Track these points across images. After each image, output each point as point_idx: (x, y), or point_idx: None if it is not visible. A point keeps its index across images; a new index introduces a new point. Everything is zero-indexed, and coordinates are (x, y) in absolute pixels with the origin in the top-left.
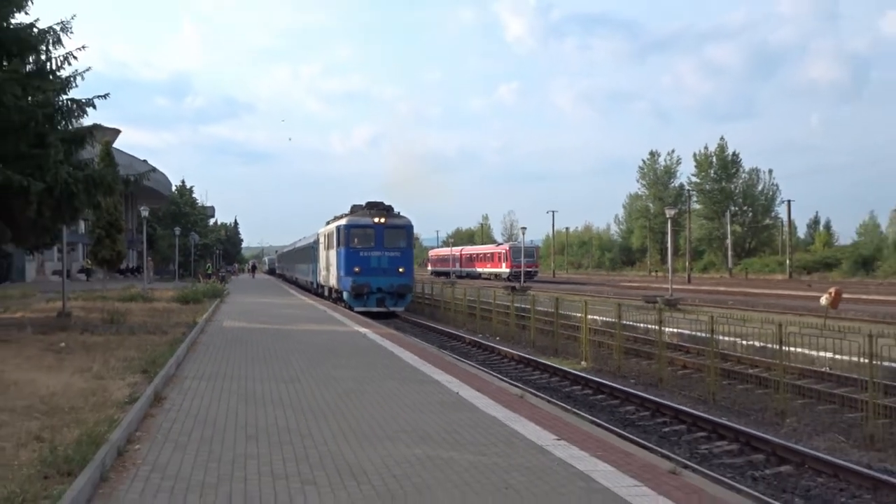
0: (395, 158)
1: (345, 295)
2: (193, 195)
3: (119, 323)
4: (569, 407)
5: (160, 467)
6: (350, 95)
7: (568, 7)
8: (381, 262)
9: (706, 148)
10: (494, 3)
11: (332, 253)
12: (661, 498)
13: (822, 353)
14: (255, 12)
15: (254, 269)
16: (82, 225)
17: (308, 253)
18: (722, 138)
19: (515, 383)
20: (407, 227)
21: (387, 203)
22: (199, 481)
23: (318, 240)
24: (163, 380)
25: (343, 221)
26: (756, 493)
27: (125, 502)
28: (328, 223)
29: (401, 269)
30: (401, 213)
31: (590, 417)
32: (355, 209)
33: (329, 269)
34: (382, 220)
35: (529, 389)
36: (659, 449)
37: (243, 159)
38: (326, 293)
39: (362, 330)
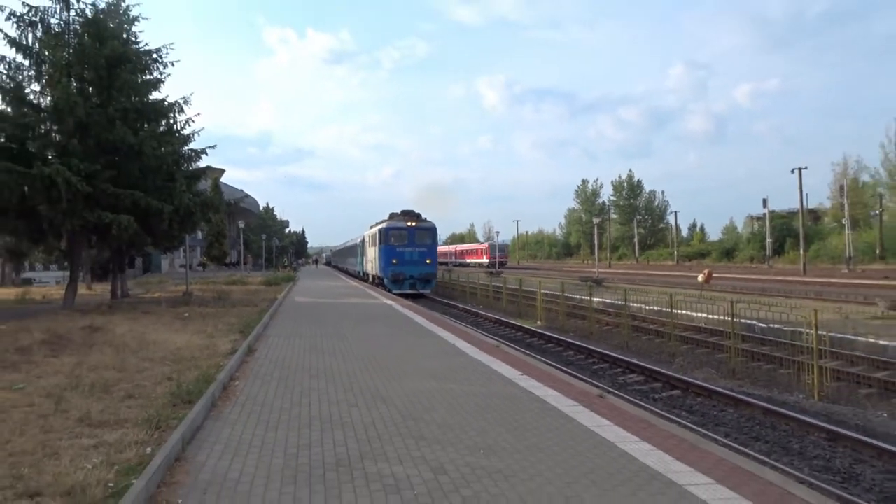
0: (410, 187)
1: (385, 281)
2: (275, 212)
3: (224, 299)
4: (529, 353)
5: (252, 397)
6: (378, 146)
7: (527, 84)
8: (412, 256)
9: (620, 177)
10: (476, 82)
11: (375, 249)
12: (592, 413)
13: (699, 314)
14: (312, 92)
15: (316, 261)
16: (199, 233)
17: (355, 249)
18: (630, 170)
19: (493, 337)
20: (432, 229)
21: (416, 211)
22: (278, 406)
23: (363, 239)
24: (254, 338)
25: (384, 225)
26: (655, 409)
27: (228, 420)
28: (371, 227)
29: (428, 261)
30: (426, 218)
31: (543, 359)
32: (392, 216)
33: (372, 261)
34: (413, 223)
35: (503, 341)
36: (590, 380)
37: (308, 188)
38: (370, 279)
39: (389, 302)
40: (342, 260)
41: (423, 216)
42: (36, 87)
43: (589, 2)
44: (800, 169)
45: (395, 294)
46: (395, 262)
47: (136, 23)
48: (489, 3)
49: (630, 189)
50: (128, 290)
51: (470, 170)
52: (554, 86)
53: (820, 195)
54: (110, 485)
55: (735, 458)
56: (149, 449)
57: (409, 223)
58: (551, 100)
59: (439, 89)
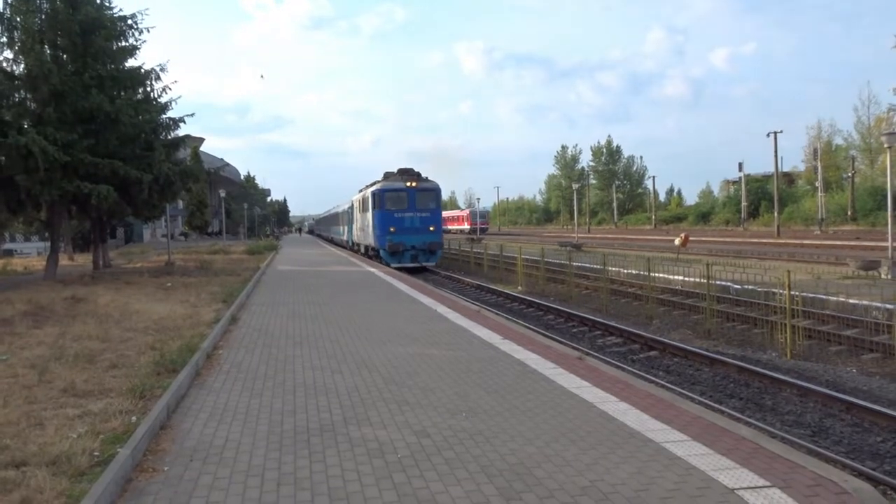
0: (390, 154)
1: (381, 253)
2: (256, 181)
3: (207, 269)
4: (510, 317)
5: (236, 365)
6: (358, 112)
7: (506, 49)
8: (413, 223)
9: (599, 142)
10: (455, 48)
11: (368, 215)
12: (572, 375)
13: (676, 277)
14: (291, 58)
15: (300, 230)
16: (180, 203)
17: (343, 216)
18: (609, 136)
19: (474, 303)
20: (436, 190)
21: (415, 170)
22: (262, 373)
23: (352, 205)
24: (237, 306)
25: (377, 186)
26: (634, 370)
27: (213, 388)
28: (361, 190)
29: (431, 228)
30: (428, 178)
31: (524, 324)
32: (388, 175)
33: (365, 229)
34: (413, 184)
35: (484, 306)
36: (570, 343)
37: (289, 156)
38: (362, 250)
39: (371, 269)
40: (326, 228)
41: (424, 175)
42: (8, 54)
43: None
44: (775, 133)
45: (393, 267)
46: (392, 230)
47: None
48: None
49: (609, 154)
50: (110, 260)
51: (450, 136)
52: (533, 51)
53: (794, 158)
54: (96, 453)
55: (710, 416)
56: (134, 418)
57: (408, 184)
58: (530, 65)
59: (419, 55)
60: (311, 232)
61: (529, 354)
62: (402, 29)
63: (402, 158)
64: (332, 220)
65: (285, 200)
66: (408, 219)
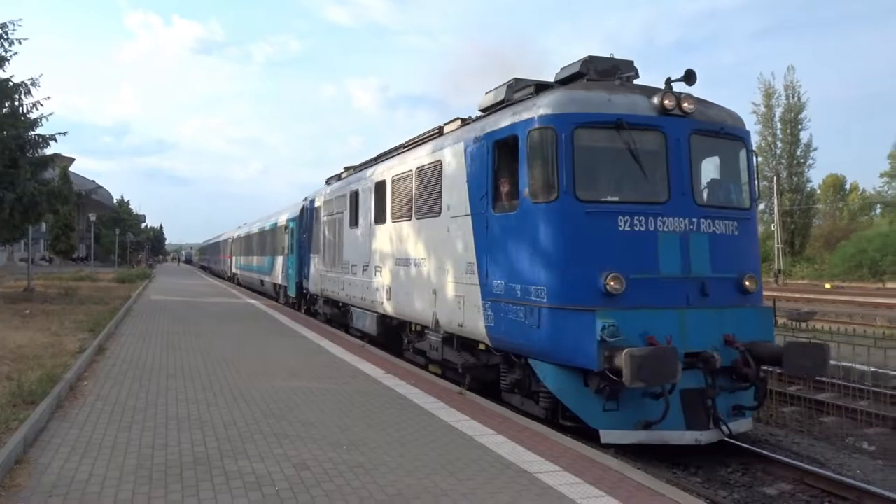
0: (281, 185)
1: (542, 371)
2: (130, 206)
3: (72, 296)
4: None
5: (103, 397)
6: (247, 140)
7: (399, 89)
8: (693, 258)
9: None
10: (348, 83)
11: (463, 222)
12: (452, 409)
13: None
14: (177, 81)
15: (177, 259)
16: (43, 225)
17: (275, 236)
18: None
19: (358, 340)
20: (744, 137)
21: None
22: (132, 406)
23: (321, 205)
24: (105, 336)
25: (548, 108)
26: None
27: (76, 421)
28: (409, 146)
29: (748, 283)
30: (696, 96)
31: (409, 360)
32: (566, 77)
33: (431, 267)
34: (685, 106)
35: (367, 343)
36: (451, 379)
37: (169, 181)
38: (374, 331)
39: (252, 301)
40: (215, 258)
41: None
42: None
43: (461, 12)
44: None
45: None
46: (614, 284)
47: None
48: (361, 6)
49: None
50: None
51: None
52: (427, 92)
53: None
54: None
55: (581, 448)
56: None
57: (667, 102)
58: (424, 106)
59: (311, 87)
60: (189, 262)
61: (412, 389)
62: (296, 60)
63: (296, 189)
64: (235, 245)
65: (161, 228)
66: (669, 238)
